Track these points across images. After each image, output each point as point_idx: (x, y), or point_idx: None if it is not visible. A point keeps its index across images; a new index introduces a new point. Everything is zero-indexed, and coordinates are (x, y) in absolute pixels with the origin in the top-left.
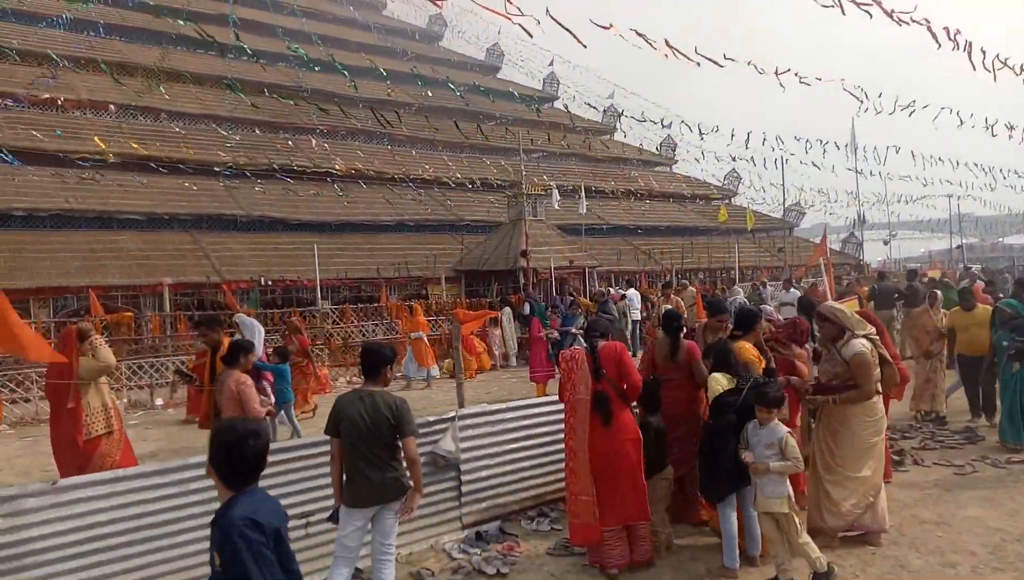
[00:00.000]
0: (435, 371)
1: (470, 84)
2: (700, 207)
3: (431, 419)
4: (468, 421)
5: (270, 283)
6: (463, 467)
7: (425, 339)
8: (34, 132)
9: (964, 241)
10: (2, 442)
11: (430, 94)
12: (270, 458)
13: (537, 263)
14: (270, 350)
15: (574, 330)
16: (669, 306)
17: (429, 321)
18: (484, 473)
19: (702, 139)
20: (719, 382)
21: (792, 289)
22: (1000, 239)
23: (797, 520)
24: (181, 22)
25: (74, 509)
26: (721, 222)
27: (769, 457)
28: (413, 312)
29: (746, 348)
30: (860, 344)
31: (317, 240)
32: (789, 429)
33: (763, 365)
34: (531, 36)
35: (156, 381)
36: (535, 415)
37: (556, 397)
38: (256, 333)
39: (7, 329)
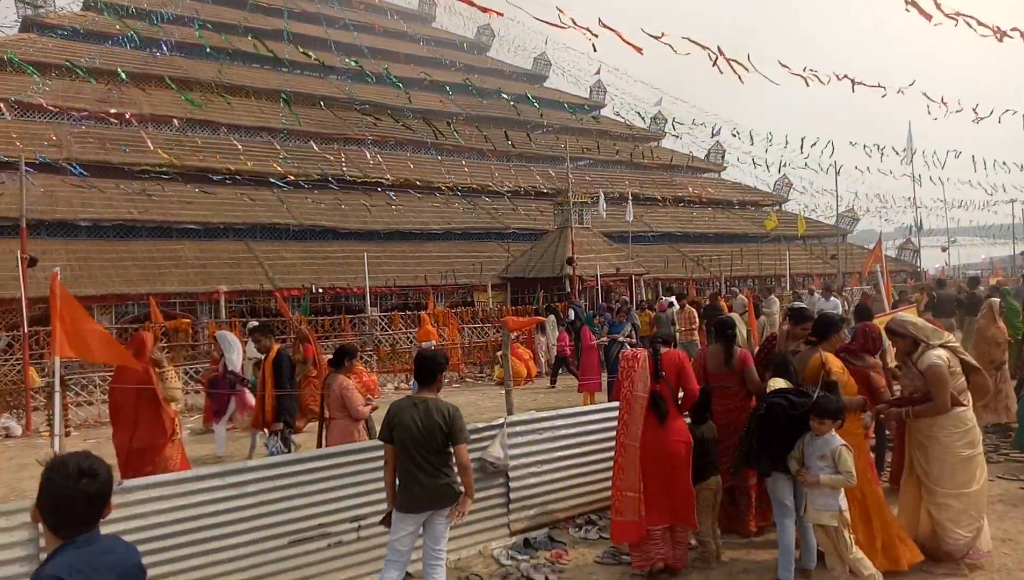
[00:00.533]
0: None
1: (518, 93)
2: (750, 214)
3: (480, 426)
4: (517, 428)
5: (320, 291)
6: (511, 474)
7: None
8: (100, 146)
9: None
10: (67, 444)
11: (483, 103)
12: (327, 461)
13: (583, 270)
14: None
15: (621, 338)
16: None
17: (476, 328)
18: (532, 480)
19: (752, 144)
20: (778, 385)
21: (832, 297)
22: None
23: (847, 534)
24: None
25: (138, 509)
26: (770, 229)
27: (822, 469)
28: (421, 322)
29: (832, 360)
30: (935, 355)
31: (366, 248)
32: (845, 442)
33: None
34: (595, 49)
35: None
36: (584, 423)
37: (606, 405)
38: (235, 349)
39: (82, 334)
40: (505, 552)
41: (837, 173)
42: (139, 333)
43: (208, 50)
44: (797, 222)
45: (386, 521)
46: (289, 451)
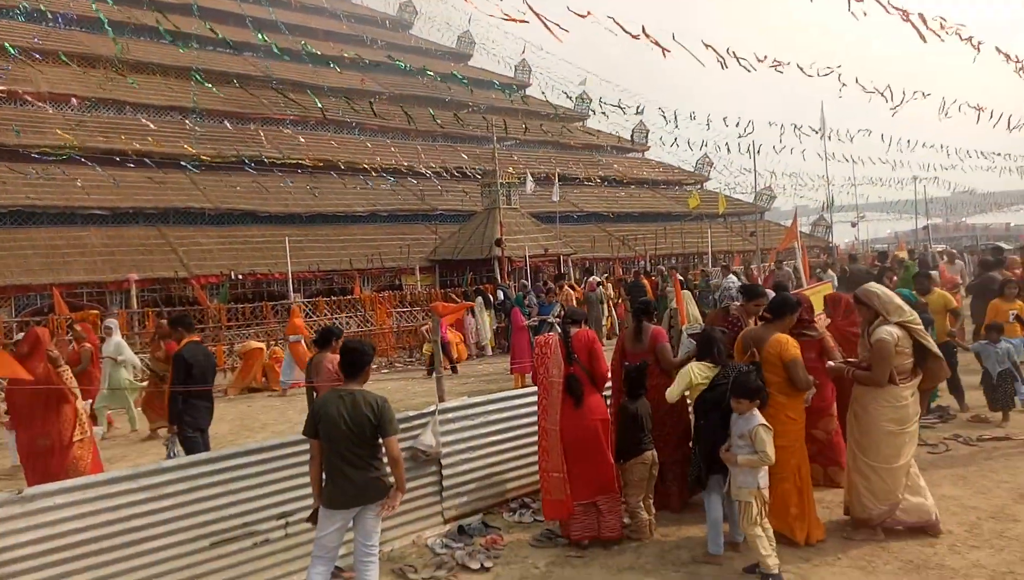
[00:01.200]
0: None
1: (442, 73)
2: (673, 193)
3: (411, 414)
4: (448, 415)
5: (240, 277)
6: (444, 461)
7: (303, 343)
8: None
9: (930, 221)
10: None
11: (406, 81)
12: (252, 457)
13: (512, 251)
14: None
15: (551, 318)
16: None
17: (404, 312)
18: (465, 467)
19: (676, 127)
20: (693, 373)
21: (730, 275)
22: (963, 219)
23: (755, 509)
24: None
25: (43, 518)
26: (693, 207)
27: (741, 448)
28: (291, 314)
29: (789, 343)
30: (886, 331)
31: (288, 232)
32: (763, 422)
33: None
34: (527, 22)
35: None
36: (515, 407)
37: (532, 390)
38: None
39: None
40: (439, 541)
41: (756, 151)
42: (33, 328)
43: (108, 25)
44: (718, 201)
45: (313, 518)
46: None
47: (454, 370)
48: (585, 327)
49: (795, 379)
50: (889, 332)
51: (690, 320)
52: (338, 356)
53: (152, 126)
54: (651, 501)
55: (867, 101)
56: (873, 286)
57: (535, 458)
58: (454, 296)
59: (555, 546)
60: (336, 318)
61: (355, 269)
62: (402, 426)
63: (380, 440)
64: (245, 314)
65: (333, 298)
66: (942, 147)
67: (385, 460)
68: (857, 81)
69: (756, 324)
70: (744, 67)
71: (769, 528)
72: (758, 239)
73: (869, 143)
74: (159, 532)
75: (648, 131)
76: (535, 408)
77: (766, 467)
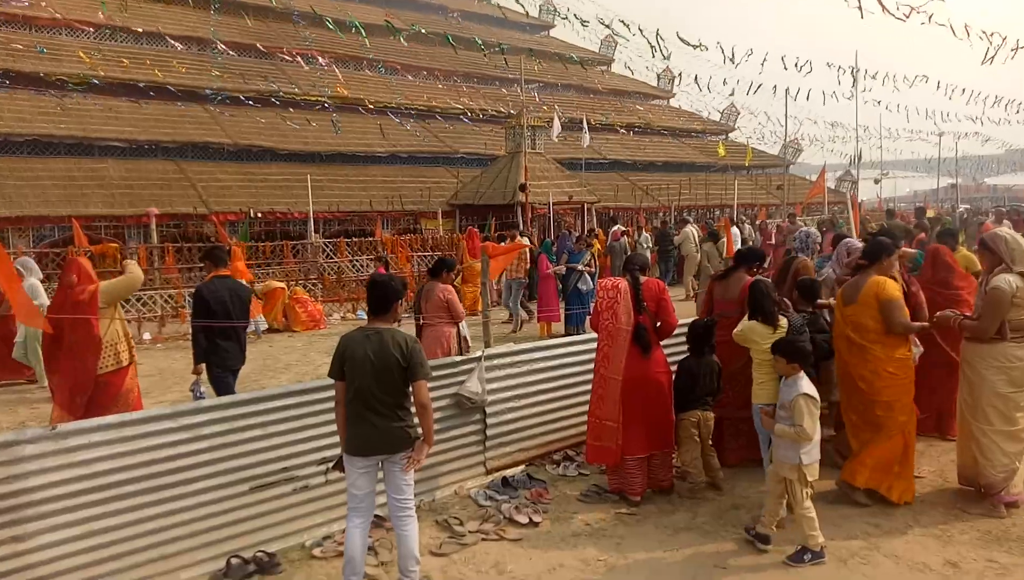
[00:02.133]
0: (262, 323)
1: (465, 11)
2: (698, 142)
3: (457, 360)
4: (495, 362)
5: (259, 215)
6: (488, 410)
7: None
8: (7, 53)
9: (959, 180)
10: None
11: (429, 18)
12: (292, 399)
13: (535, 197)
14: None
15: (580, 267)
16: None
17: (425, 257)
18: (509, 416)
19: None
20: (754, 332)
21: (734, 227)
22: (985, 180)
23: (799, 489)
24: None
25: (76, 456)
26: (720, 158)
27: (783, 418)
28: (231, 256)
29: (888, 284)
30: (1003, 279)
31: (307, 171)
32: (807, 391)
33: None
34: None
35: (143, 314)
36: (563, 355)
37: (583, 337)
38: (34, 273)
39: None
40: (483, 492)
41: (786, 97)
42: (75, 259)
43: None
44: (744, 152)
45: (339, 465)
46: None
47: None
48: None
49: (891, 322)
50: (1007, 281)
51: None
52: (450, 287)
53: (172, 57)
54: (714, 459)
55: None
56: (1002, 230)
57: (581, 408)
58: (506, 235)
59: (604, 502)
60: (356, 260)
61: (375, 211)
62: (447, 371)
63: (409, 385)
64: (265, 253)
65: (353, 239)
66: (980, 97)
67: (413, 409)
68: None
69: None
70: None
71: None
72: (785, 193)
73: (899, 95)
74: (197, 475)
75: (674, 77)
76: (583, 357)
77: (817, 439)
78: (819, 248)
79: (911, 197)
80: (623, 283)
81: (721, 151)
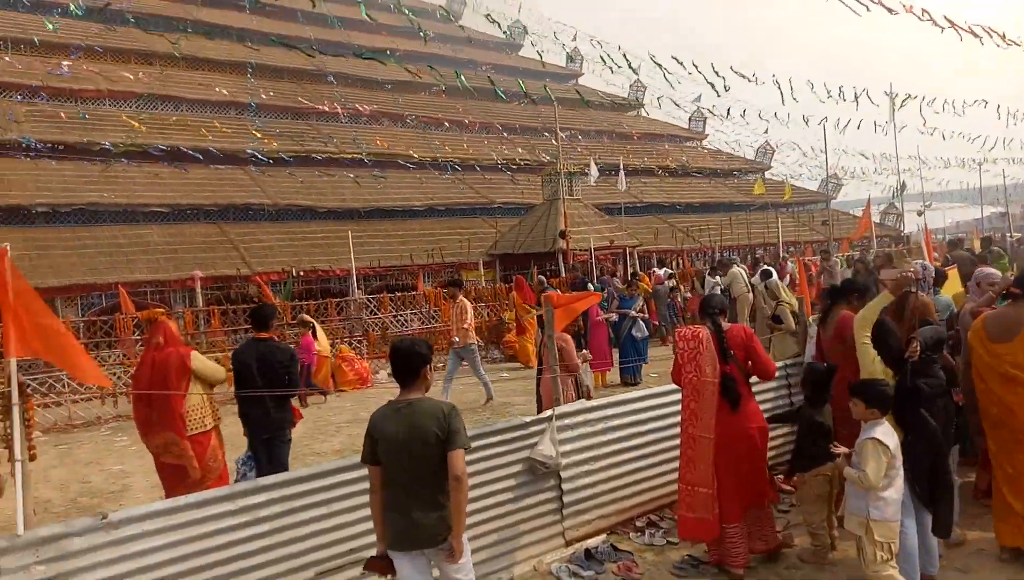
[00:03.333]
0: None
1: (494, 64)
2: (734, 182)
3: (527, 420)
4: (566, 421)
5: (301, 273)
6: (564, 474)
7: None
8: (54, 124)
9: (1008, 209)
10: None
11: (458, 74)
12: (355, 473)
13: (576, 244)
14: None
15: (633, 313)
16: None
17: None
18: (587, 480)
19: (727, 116)
20: (877, 366)
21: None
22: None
23: (869, 549)
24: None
25: (128, 548)
26: (757, 195)
27: (856, 464)
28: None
29: None
30: None
31: (347, 228)
32: (876, 436)
33: None
34: None
35: None
36: (639, 411)
37: (661, 389)
38: None
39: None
40: (565, 567)
41: (824, 130)
42: (163, 321)
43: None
44: (783, 189)
45: (376, 566)
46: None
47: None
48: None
49: None
50: None
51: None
52: (567, 335)
53: (212, 122)
54: (834, 517)
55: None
56: None
57: (661, 469)
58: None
59: (703, 576)
60: (399, 315)
61: (416, 264)
62: (517, 434)
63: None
64: (309, 311)
65: (396, 294)
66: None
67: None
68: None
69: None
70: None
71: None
72: (830, 229)
73: (938, 117)
74: (257, 562)
75: (706, 119)
76: (662, 411)
77: (893, 496)
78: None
79: (953, 227)
80: (703, 331)
81: (758, 189)
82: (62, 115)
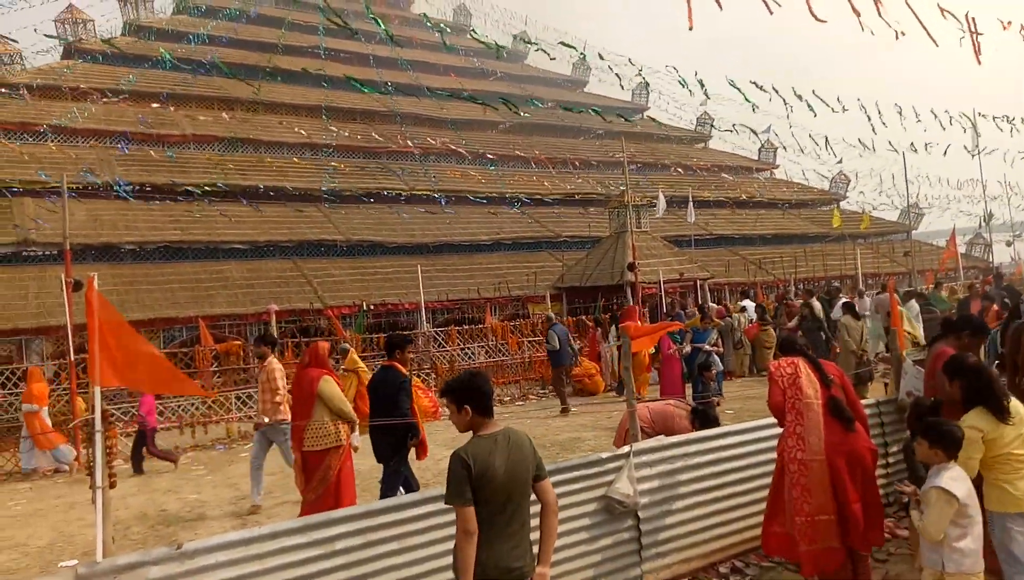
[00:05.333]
0: (67, 453)
1: (559, 100)
2: (808, 213)
3: (604, 456)
4: (645, 457)
5: (372, 307)
6: (642, 514)
7: (43, 414)
8: (143, 168)
9: None
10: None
11: (524, 112)
12: (432, 506)
13: (645, 276)
14: None
15: (708, 346)
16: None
17: (533, 342)
18: (667, 520)
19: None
20: (974, 424)
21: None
22: None
23: None
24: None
25: (203, 578)
26: (836, 227)
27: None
28: (28, 377)
29: None
30: None
31: (415, 262)
32: (942, 484)
33: None
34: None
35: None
36: (721, 448)
37: (744, 425)
38: None
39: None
40: None
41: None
42: (316, 344)
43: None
44: (860, 219)
45: None
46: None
47: (565, 409)
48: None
49: None
50: None
51: (910, 344)
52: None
53: (286, 164)
54: None
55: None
56: None
57: (746, 511)
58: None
59: None
60: (467, 348)
61: (483, 298)
62: (593, 471)
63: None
64: (380, 344)
65: (464, 327)
66: None
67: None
68: None
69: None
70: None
71: None
72: (912, 260)
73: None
74: None
75: (776, 149)
76: (746, 449)
77: (969, 547)
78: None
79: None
80: (798, 359)
81: (836, 221)
82: (151, 158)
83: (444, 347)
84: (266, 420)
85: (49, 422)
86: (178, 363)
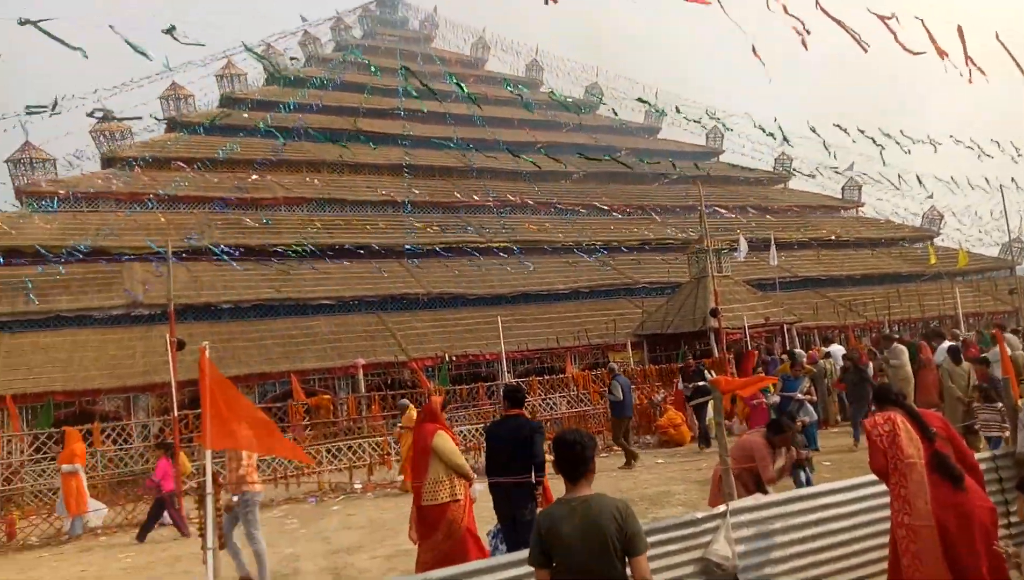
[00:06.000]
0: (97, 516)
1: (633, 148)
2: (899, 250)
3: (698, 516)
4: (742, 517)
5: (454, 358)
6: (741, 577)
7: (81, 474)
8: (239, 231)
9: None
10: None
11: (599, 161)
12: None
13: (729, 322)
14: None
15: (800, 395)
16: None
17: None
18: None
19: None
20: None
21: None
22: None
23: None
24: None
25: None
26: (932, 264)
27: None
28: (67, 438)
29: None
30: None
31: (495, 313)
32: None
33: None
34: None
35: (354, 463)
36: (823, 507)
37: (852, 482)
38: None
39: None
40: None
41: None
42: (432, 399)
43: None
44: (956, 256)
45: None
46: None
47: (629, 461)
48: None
49: None
50: None
51: None
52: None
53: (372, 220)
54: None
55: None
56: None
57: (855, 575)
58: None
59: None
60: (548, 398)
61: (563, 347)
62: (688, 531)
63: (625, 562)
64: (462, 395)
65: (545, 377)
66: None
67: None
68: None
69: None
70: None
71: None
72: (1019, 297)
73: None
74: None
75: (861, 186)
76: (850, 508)
77: None
78: None
79: None
80: (894, 415)
81: (933, 258)
82: (246, 220)
83: (527, 397)
84: (234, 499)
85: (85, 483)
86: (272, 417)
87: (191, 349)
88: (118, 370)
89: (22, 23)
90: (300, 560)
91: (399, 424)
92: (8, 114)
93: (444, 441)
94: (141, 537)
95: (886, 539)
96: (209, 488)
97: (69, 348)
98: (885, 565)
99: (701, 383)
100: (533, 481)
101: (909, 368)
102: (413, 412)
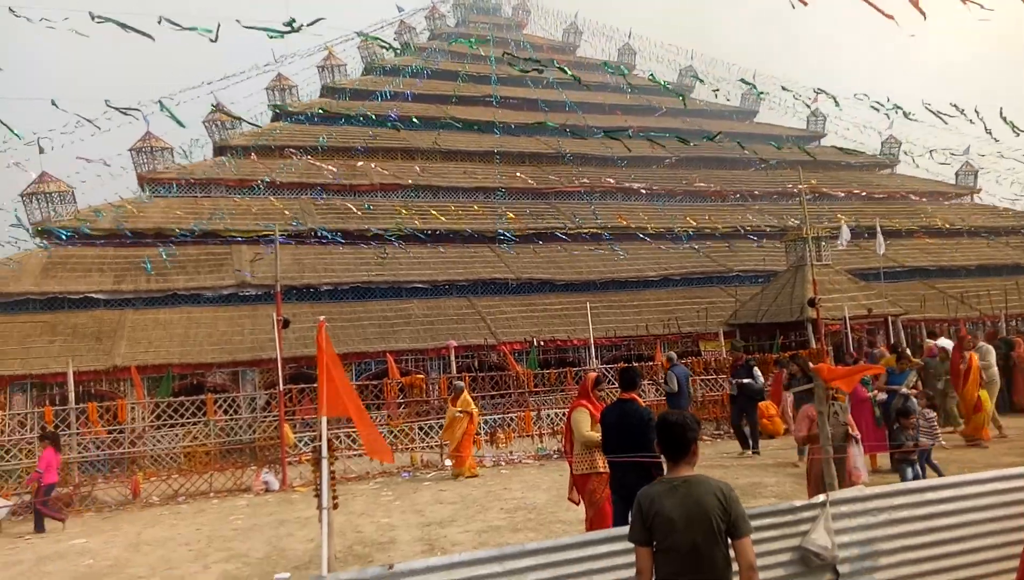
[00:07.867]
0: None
1: (729, 132)
2: (1021, 240)
3: (797, 505)
4: (842, 508)
5: (542, 343)
6: (841, 569)
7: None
8: (338, 216)
9: None
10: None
11: (692, 145)
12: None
13: (827, 313)
14: None
15: (904, 389)
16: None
17: (706, 380)
18: (871, 578)
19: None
20: None
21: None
22: None
23: None
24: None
25: None
26: None
27: None
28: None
29: None
30: None
31: (584, 299)
32: None
33: None
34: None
35: (446, 442)
36: (935, 502)
37: (972, 477)
38: None
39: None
40: None
41: None
42: (585, 376)
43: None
44: None
45: None
46: None
47: (746, 447)
48: None
49: None
50: None
51: None
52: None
53: (464, 206)
54: None
55: None
56: None
57: (966, 574)
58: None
59: None
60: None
61: (651, 335)
62: (786, 519)
63: (729, 543)
64: (551, 379)
65: (633, 364)
66: None
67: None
68: None
69: None
70: None
71: None
72: None
73: None
74: None
75: (977, 171)
76: (963, 505)
77: None
78: None
79: None
80: None
81: None
82: (346, 205)
83: (613, 384)
84: None
85: None
86: (368, 394)
87: (295, 327)
88: (228, 346)
89: (163, 22)
90: (395, 530)
91: (457, 408)
92: (132, 106)
93: (576, 415)
94: (39, 527)
95: (1006, 541)
96: (324, 452)
97: (185, 324)
98: (1003, 568)
99: (746, 380)
100: (647, 463)
101: (995, 369)
102: (468, 396)
